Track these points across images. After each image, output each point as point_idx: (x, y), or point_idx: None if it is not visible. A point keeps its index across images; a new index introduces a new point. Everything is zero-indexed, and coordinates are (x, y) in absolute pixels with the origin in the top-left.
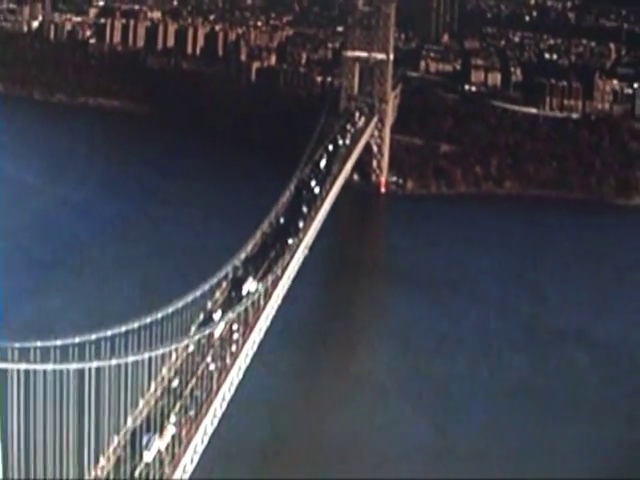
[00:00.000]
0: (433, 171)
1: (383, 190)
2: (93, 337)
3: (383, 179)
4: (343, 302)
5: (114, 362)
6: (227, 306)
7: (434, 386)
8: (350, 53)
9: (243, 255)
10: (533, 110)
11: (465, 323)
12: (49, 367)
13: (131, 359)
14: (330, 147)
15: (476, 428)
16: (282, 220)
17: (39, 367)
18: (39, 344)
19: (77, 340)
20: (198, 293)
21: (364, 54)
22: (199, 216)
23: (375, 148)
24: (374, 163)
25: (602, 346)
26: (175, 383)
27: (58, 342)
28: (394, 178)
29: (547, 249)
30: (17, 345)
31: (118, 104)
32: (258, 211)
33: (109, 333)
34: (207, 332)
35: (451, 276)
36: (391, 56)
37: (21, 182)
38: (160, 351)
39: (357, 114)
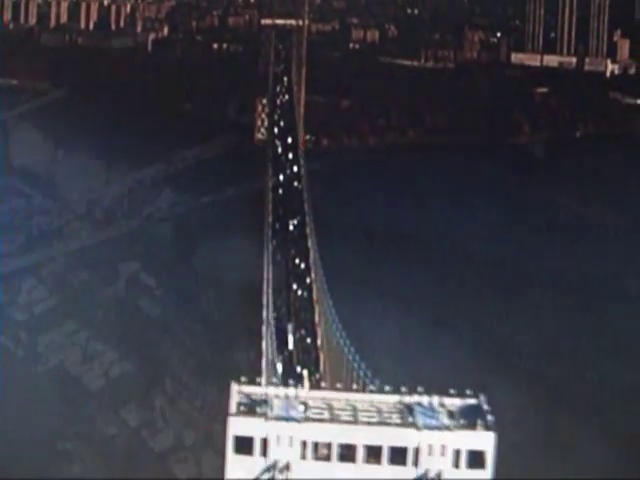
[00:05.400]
0: (342, 127)
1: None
2: None
3: (300, 138)
4: None
5: None
6: None
7: None
8: (267, 21)
9: None
10: (414, 63)
11: None
12: None
13: None
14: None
15: None
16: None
17: None
18: None
19: None
20: None
21: (280, 21)
22: None
23: None
24: None
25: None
26: None
27: None
28: (308, 136)
29: (448, 189)
30: None
31: (17, 83)
32: None
33: None
34: None
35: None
36: (307, 21)
37: None
38: None
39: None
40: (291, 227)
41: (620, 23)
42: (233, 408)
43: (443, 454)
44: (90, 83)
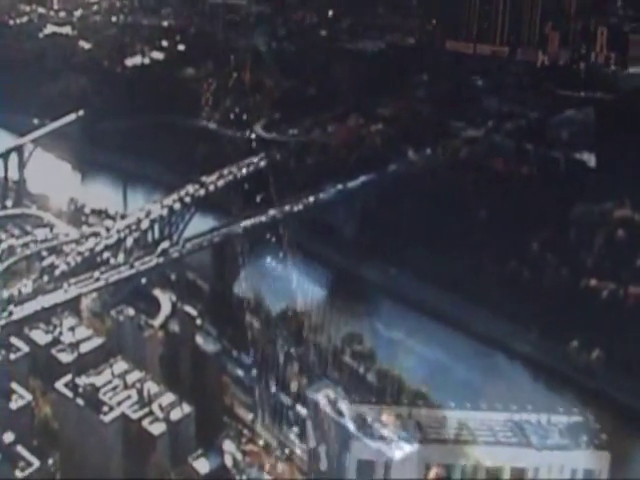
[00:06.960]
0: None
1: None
2: None
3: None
4: None
5: None
6: None
7: None
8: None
9: None
10: (353, 46)
11: None
12: None
13: None
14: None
15: None
16: None
17: None
18: None
19: None
20: None
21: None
22: None
23: None
24: None
25: None
26: None
27: None
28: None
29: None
30: None
31: None
32: None
33: None
34: None
35: None
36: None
37: None
38: None
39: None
40: (257, 199)
41: (551, 16)
42: (352, 429)
43: (561, 473)
44: None
